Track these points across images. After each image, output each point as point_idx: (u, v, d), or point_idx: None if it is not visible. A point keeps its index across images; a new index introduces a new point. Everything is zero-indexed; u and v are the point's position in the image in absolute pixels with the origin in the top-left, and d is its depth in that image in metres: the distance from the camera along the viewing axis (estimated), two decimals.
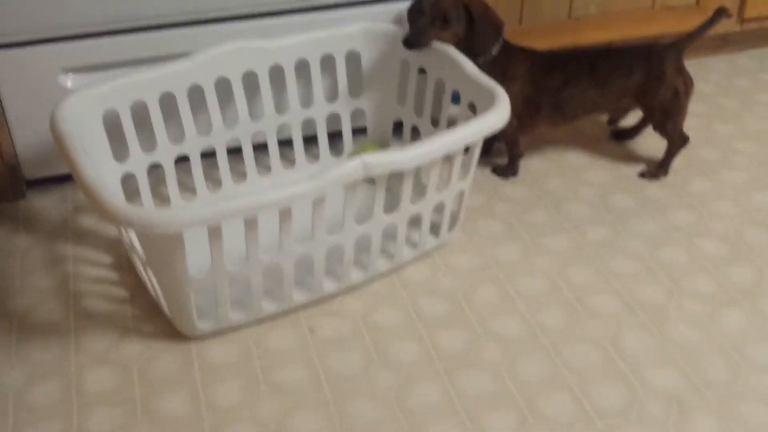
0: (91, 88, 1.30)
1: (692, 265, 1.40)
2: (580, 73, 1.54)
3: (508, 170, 1.62)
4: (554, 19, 1.77)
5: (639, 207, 1.54)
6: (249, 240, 1.13)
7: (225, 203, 1.05)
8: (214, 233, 1.09)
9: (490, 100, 1.28)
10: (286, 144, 1.59)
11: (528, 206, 1.54)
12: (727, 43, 2.07)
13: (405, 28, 1.52)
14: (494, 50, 1.50)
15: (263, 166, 1.58)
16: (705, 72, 2.01)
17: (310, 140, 1.60)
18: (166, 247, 1.09)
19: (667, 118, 1.56)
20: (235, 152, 1.53)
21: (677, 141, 1.60)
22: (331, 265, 1.30)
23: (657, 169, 1.62)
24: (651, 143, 1.71)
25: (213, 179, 1.54)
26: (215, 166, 1.51)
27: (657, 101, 1.55)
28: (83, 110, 1.28)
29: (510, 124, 1.53)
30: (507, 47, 1.52)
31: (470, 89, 1.36)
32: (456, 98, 1.43)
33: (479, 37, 1.47)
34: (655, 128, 1.59)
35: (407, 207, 1.28)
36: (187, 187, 1.51)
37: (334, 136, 1.62)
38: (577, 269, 1.39)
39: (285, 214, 1.13)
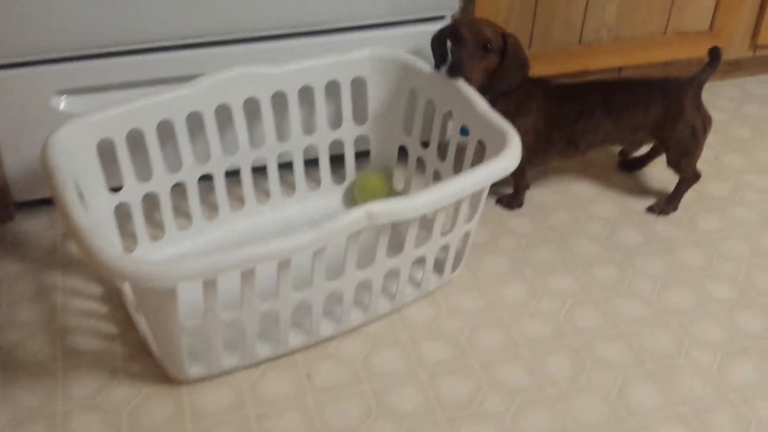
0: (85, 117, 1.24)
1: (701, 310, 1.36)
2: (594, 105, 1.49)
3: (513, 201, 1.57)
4: (564, 43, 1.72)
5: (647, 244, 1.50)
6: (245, 289, 1.08)
7: (221, 255, 1.00)
8: (209, 285, 1.04)
9: (500, 141, 1.23)
10: (286, 166, 1.53)
11: (533, 241, 1.50)
12: (738, 68, 2.03)
13: (422, 56, 1.47)
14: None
15: (262, 191, 1.53)
16: (715, 98, 1.97)
17: (312, 163, 1.54)
18: (158, 297, 1.04)
19: (683, 155, 1.52)
20: (233, 175, 1.48)
21: (690, 177, 1.55)
22: (330, 305, 1.25)
23: (666, 205, 1.57)
24: (660, 175, 1.66)
25: (210, 204, 1.49)
26: (212, 190, 1.46)
27: (674, 137, 1.50)
28: (76, 140, 1.22)
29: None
30: (530, 79, 1.48)
31: (480, 126, 1.31)
32: (464, 130, 1.38)
33: (506, 73, 1.42)
34: (669, 164, 1.55)
35: (411, 251, 1.23)
36: (182, 212, 1.46)
37: (337, 159, 1.57)
38: (583, 312, 1.35)
39: (284, 264, 1.08)
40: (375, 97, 1.51)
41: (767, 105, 1.95)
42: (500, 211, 1.57)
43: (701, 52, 1.82)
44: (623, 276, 1.43)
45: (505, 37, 1.41)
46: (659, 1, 1.74)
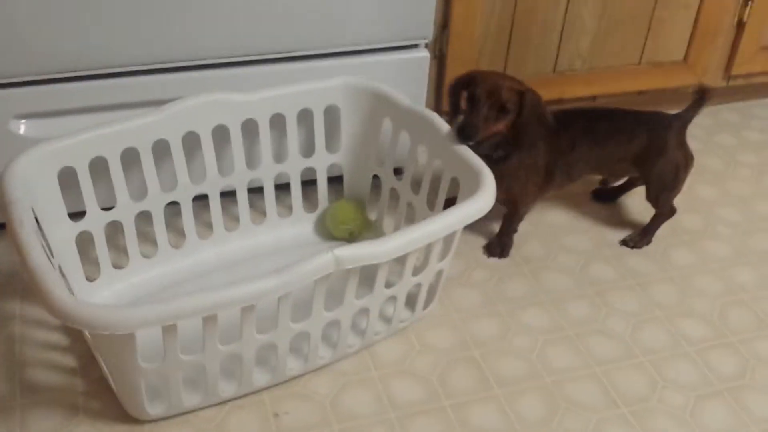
0: (46, 144, 1.20)
1: (674, 350, 1.35)
2: (583, 132, 1.47)
3: (506, 248, 1.53)
4: (539, 72, 1.71)
5: (620, 279, 1.49)
6: (207, 332, 1.04)
7: (182, 301, 0.97)
8: (169, 329, 1.00)
9: (475, 181, 1.20)
10: (258, 192, 1.49)
11: (506, 274, 1.48)
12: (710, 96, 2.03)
13: (396, 86, 1.44)
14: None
15: (232, 219, 1.49)
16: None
17: (284, 188, 1.50)
18: (115, 341, 1.00)
19: (662, 191, 1.52)
20: (202, 200, 1.43)
21: (666, 213, 1.55)
22: (297, 342, 1.20)
23: (640, 238, 1.56)
24: (634, 206, 1.66)
25: (177, 231, 1.45)
26: (180, 217, 1.42)
27: (655, 172, 1.49)
28: (37, 167, 1.19)
29: (531, 202, 1.50)
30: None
31: (455, 164, 1.29)
32: None
33: (523, 131, 1.36)
34: (648, 198, 1.54)
35: (381, 291, 1.20)
36: (148, 239, 1.42)
37: (310, 183, 1.53)
38: (556, 350, 1.33)
39: (248, 309, 1.04)
40: (348, 126, 1.48)
41: (739, 135, 1.95)
42: (473, 242, 1.54)
43: (675, 82, 1.84)
44: (597, 313, 1.41)
45: (522, 95, 1.34)
46: (634, 31, 1.73)
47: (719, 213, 1.68)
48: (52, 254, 1.17)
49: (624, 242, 1.57)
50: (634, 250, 1.56)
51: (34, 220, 1.11)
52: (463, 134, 1.31)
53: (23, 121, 1.34)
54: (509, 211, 1.50)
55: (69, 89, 1.33)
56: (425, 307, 1.33)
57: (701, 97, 1.46)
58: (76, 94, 1.33)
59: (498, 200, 1.47)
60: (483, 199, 1.17)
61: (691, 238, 1.60)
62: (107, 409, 1.17)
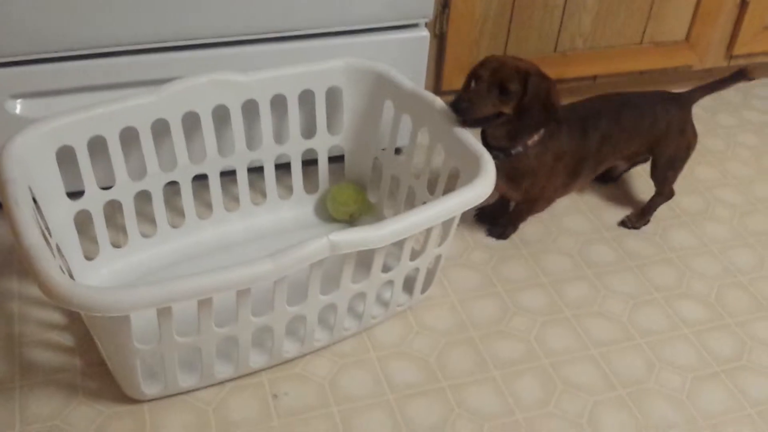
0: (44, 123, 1.19)
1: (672, 331, 1.35)
2: (610, 125, 1.43)
3: (507, 232, 1.52)
4: (540, 52, 1.70)
5: (618, 261, 1.49)
6: (202, 315, 1.04)
7: (176, 283, 0.97)
8: (164, 311, 1.00)
9: (475, 166, 1.19)
10: (258, 171, 1.49)
11: (505, 256, 1.48)
12: (712, 76, 2.01)
13: (396, 66, 1.43)
14: (542, 131, 1.36)
15: (232, 199, 1.49)
16: None
17: (284, 168, 1.50)
18: (111, 322, 1.00)
19: (672, 170, 1.52)
20: (202, 180, 1.43)
21: (667, 193, 1.55)
22: (294, 325, 1.20)
23: (639, 219, 1.56)
24: (632, 187, 1.65)
25: (177, 211, 1.45)
26: (179, 194, 1.41)
27: (668, 152, 1.49)
28: (35, 147, 1.18)
29: (550, 202, 1.48)
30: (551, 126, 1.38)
31: (455, 150, 1.28)
32: None
33: (526, 115, 1.30)
34: (656, 177, 1.53)
35: (378, 276, 1.20)
36: (147, 218, 1.42)
37: (310, 164, 1.53)
38: (554, 332, 1.33)
39: (243, 292, 1.04)
40: (350, 107, 1.47)
41: (740, 116, 1.94)
42: (472, 224, 1.54)
43: (677, 62, 1.83)
44: (595, 295, 1.41)
45: (527, 77, 1.28)
46: (636, 11, 1.72)
47: (719, 194, 1.68)
48: (49, 233, 1.18)
49: (623, 223, 1.57)
50: (633, 231, 1.56)
51: (32, 199, 1.11)
52: (456, 109, 1.28)
53: (19, 100, 1.33)
54: (526, 206, 1.47)
55: (66, 68, 1.32)
56: (423, 291, 1.33)
57: (742, 76, 1.47)
58: (72, 73, 1.32)
59: (512, 198, 1.47)
60: (482, 185, 1.16)
61: (691, 220, 1.60)
62: (107, 390, 1.18)
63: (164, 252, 1.40)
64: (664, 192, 1.55)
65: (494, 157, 1.26)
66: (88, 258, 1.33)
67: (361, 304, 1.25)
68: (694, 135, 1.52)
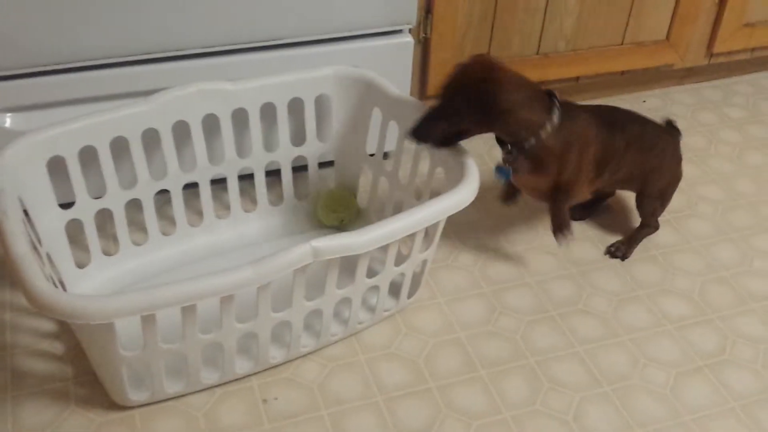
0: (35, 134, 1.22)
1: (655, 328, 1.37)
2: (635, 136, 1.41)
3: (565, 227, 1.40)
4: (523, 54, 1.72)
5: (603, 259, 1.51)
6: (186, 322, 1.06)
7: (159, 291, 0.99)
8: (148, 318, 1.02)
9: (459, 171, 1.21)
10: (248, 179, 1.50)
11: (491, 257, 1.50)
12: (692, 74, 2.05)
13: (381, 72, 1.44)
14: (555, 118, 1.28)
15: (223, 205, 1.51)
16: (670, 104, 1.98)
17: (274, 174, 1.51)
18: (96, 329, 1.02)
19: (660, 199, 1.51)
20: (192, 187, 1.44)
21: (654, 225, 1.54)
22: (279, 331, 1.22)
23: (627, 248, 1.52)
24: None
25: (168, 219, 1.47)
26: (170, 203, 1.43)
27: (661, 184, 1.49)
28: (25, 158, 1.20)
29: (583, 186, 1.38)
30: (568, 108, 1.32)
31: (440, 155, 1.29)
32: (502, 171, 1.34)
33: (506, 129, 1.27)
34: (644, 209, 1.51)
35: (362, 281, 1.21)
36: (138, 226, 1.43)
37: (299, 171, 1.54)
38: (540, 331, 1.35)
39: (227, 299, 1.06)
40: (339, 115, 1.48)
41: (721, 112, 1.97)
42: (458, 225, 1.56)
43: (658, 61, 1.85)
44: (580, 293, 1.43)
45: (466, 89, 1.21)
46: (616, 12, 1.75)
47: (701, 191, 1.70)
48: (40, 243, 1.20)
49: (610, 252, 1.52)
50: (615, 229, 1.58)
51: (22, 210, 1.13)
52: (412, 135, 1.26)
53: (9, 114, 1.35)
54: (561, 194, 1.36)
55: (55, 81, 1.33)
56: (410, 296, 1.35)
57: None
58: (62, 86, 1.34)
59: (543, 190, 1.37)
60: (465, 190, 1.17)
61: (673, 217, 1.62)
62: (98, 398, 1.19)
63: (156, 259, 1.42)
64: (651, 224, 1.53)
65: (508, 153, 1.27)
66: (80, 266, 1.35)
67: (347, 310, 1.27)
68: (681, 171, 1.53)
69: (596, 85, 1.86)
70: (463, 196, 1.18)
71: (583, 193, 1.40)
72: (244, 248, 1.45)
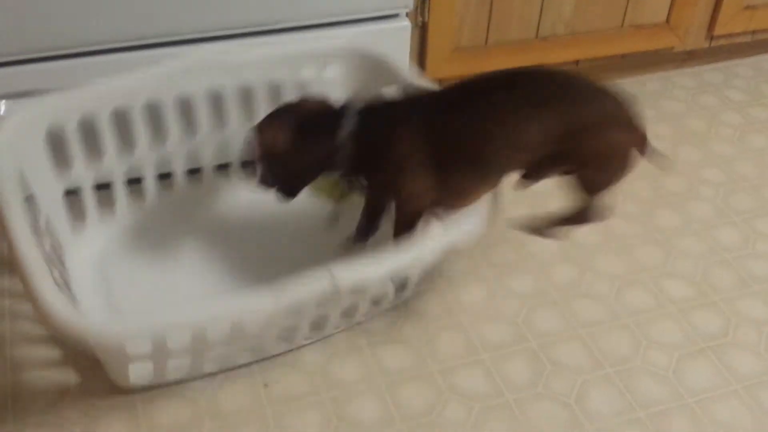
0: (34, 103, 1.24)
1: (658, 310, 1.37)
2: (500, 103, 1.21)
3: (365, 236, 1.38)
4: (521, 38, 1.71)
5: (605, 243, 1.50)
6: (195, 344, 1.08)
7: (173, 316, 1.01)
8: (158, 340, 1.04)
9: None
10: None
11: (493, 241, 1.49)
12: (692, 57, 2.04)
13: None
14: (345, 132, 1.20)
15: (222, 174, 1.51)
16: (671, 88, 1.97)
17: None
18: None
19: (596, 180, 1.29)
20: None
21: (590, 215, 1.33)
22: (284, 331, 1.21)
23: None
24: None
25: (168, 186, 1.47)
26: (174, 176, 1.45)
27: (589, 150, 1.23)
28: (22, 131, 1.21)
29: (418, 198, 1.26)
30: (379, 110, 1.24)
31: None
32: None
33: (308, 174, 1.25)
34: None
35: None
36: (138, 194, 1.44)
37: None
38: (542, 314, 1.35)
39: (238, 324, 1.07)
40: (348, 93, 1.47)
41: (722, 95, 1.96)
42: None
43: (658, 44, 1.84)
44: (581, 276, 1.43)
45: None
46: None
47: (702, 174, 1.69)
48: (39, 211, 1.22)
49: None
50: (618, 212, 1.57)
51: (20, 195, 1.14)
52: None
53: (3, 101, 1.34)
54: (396, 202, 1.26)
55: (49, 68, 1.33)
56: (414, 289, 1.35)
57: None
58: (56, 72, 1.33)
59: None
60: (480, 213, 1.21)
61: (676, 200, 1.62)
62: (99, 383, 1.18)
63: (153, 220, 1.43)
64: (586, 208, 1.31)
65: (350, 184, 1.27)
66: (78, 231, 1.36)
67: (353, 307, 1.26)
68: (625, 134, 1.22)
69: (596, 69, 1.85)
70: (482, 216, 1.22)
71: (421, 196, 1.22)
72: (256, 225, 1.46)
